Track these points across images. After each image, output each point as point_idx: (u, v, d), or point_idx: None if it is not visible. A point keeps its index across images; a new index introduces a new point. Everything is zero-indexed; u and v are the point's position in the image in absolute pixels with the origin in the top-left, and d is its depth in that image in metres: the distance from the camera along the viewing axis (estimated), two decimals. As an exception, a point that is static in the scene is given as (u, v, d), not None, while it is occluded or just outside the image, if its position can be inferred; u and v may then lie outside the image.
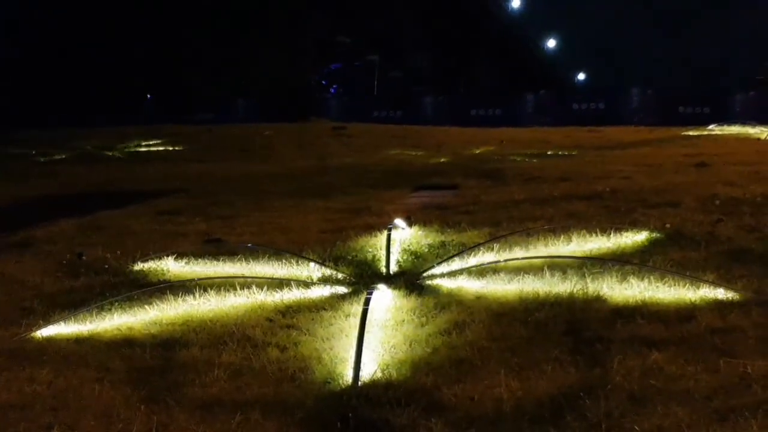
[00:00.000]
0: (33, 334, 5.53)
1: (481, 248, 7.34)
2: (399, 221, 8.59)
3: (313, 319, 5.73)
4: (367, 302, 5.25)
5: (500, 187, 12.57)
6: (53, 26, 40.60)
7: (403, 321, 5.59)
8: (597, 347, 4.86)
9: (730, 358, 4.53)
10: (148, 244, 8.33)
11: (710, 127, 28.58)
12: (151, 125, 32.20)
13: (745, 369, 4.38)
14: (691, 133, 26.17)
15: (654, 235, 7.84)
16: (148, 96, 41.90)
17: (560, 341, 5.04)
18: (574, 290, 5.98)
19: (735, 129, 27.63)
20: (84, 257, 7.90)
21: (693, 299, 5.69)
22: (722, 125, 28.68)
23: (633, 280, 6.08)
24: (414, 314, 5.73)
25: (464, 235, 8.30)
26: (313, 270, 7.05)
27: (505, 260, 6.87)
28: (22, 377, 4.73)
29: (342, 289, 6.46)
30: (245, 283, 6.51)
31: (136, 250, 8.03)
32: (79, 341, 5.42)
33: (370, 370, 4.60)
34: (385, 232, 7.94)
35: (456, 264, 6.90)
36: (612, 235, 7.77)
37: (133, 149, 25.01)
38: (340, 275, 6.90)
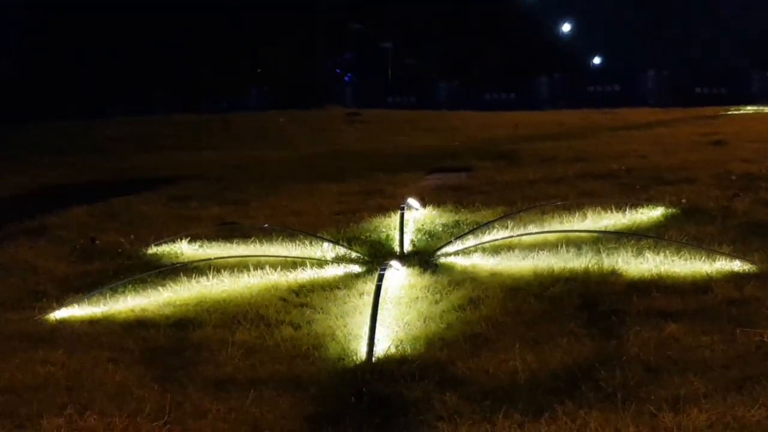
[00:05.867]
0: (47, 317, 5.55)
1: (496, 226, 7.31)
2: (412, 201, 8.56)
3: (326, 298, 5.73)
4: (380, 278, 5.23)
5: (514, 168, 12.49)
6: (65, 18, 40.63)
7: (417, 298, 5.57)
8: (612, 320, 4.83)
9: (747, 328, 4.49)
10: (162, 228, 8.33)
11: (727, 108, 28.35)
12: (164, 115, 32.18)
13: (762, 338, 4.34)
14: (707, 113, 25.96)
15: (670, 210, 7.79)
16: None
17: (575, 315, 5.01)
18: (589, 265, 5.94)
19: (751, 109, 27.42)
20: (97, 242, 7.91)
21: (709, 272, 5.65)
22: (738, 107, 28.43)
23: (648, 255, 6.05)
24: (428, 291, 5.71)
25: (478, 215, 8.26)
26: (326, 250, 7.04)
27: (520, 234, 6.85)
28: (36, 359, 4.74)
29: (356, 268, 6.45)
30: (259, 263, 6.51)
31: (149, 234, 8.04)
32: (92, 323, 5.43)
33: (384, 347, 4.59)
34: (399, 213, 7.90)
35: (470, 242, 6.87)
36: (627, 211, 7.73)
37: (147, 138, 24.97)
38: (353, 255, 6.89)
